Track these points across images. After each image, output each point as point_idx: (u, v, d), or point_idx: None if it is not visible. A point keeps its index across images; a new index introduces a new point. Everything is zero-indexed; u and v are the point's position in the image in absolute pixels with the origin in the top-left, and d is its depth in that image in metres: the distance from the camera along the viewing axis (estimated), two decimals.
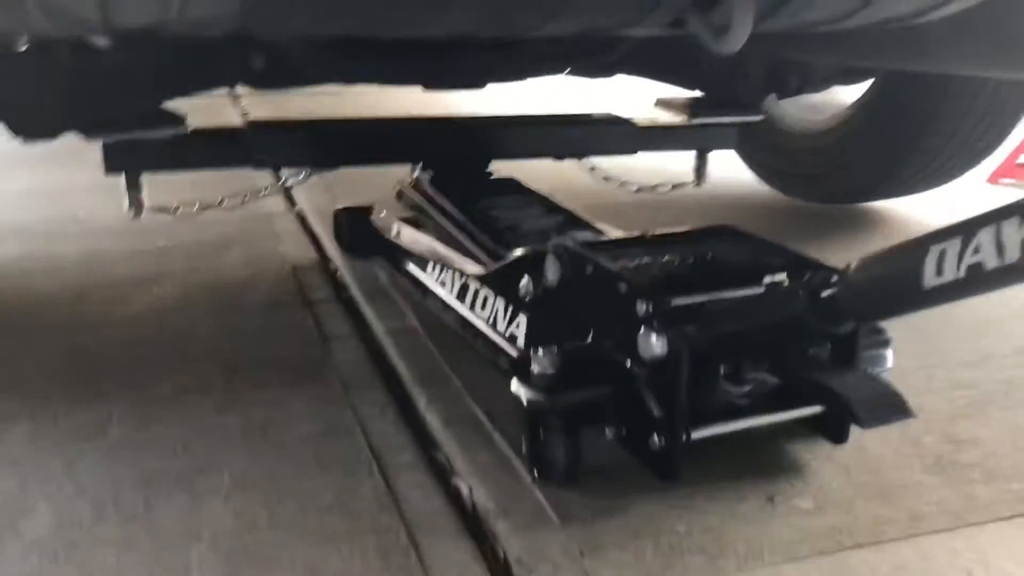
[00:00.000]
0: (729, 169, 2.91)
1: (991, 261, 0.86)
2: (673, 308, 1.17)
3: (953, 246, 0.89)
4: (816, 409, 1.30)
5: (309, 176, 1.98)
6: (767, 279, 1.21)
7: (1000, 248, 0.85)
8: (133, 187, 1.83)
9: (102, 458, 1.29)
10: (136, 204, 1.84)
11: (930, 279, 0.92)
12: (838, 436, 1.33)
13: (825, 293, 1.07)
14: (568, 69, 2.07)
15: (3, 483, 1.23)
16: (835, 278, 1.08)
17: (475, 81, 1.96)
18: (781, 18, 1.15)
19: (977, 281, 0.89)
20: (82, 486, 1.23)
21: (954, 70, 1.78)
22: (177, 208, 1.88)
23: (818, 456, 1.35)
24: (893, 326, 1.36)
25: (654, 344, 1.16)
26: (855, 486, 1.29)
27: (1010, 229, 0.83)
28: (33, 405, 1.44)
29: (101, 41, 1.76)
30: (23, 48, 1.70)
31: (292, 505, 1.19)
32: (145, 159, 1.81)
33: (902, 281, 0.96)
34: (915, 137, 2.41)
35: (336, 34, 1.22)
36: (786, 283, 1.19)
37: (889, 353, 1.36)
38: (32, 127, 1.71)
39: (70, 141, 3.32)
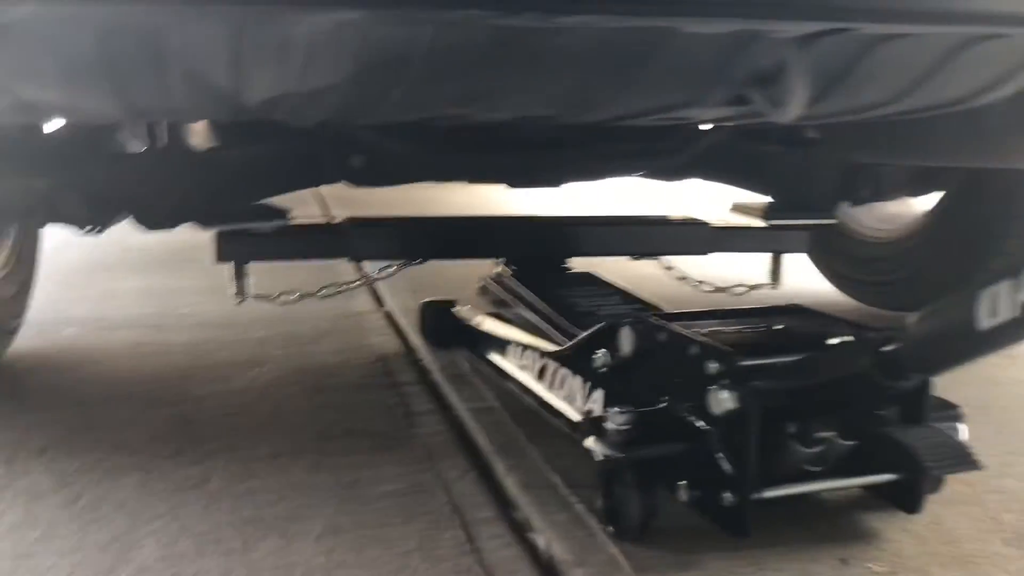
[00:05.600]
0: (807, 277, 2.96)
1: None
2: (741, 367, 1.23)
3: (1004, 286, 0.94)
4: (890, 477, 1.32)
5: (397, 271, 2.10)
6: (831, 341, 1.27)
7: None
8: (240, 275, 1.99)
9: (204, 505, 1.39)
10: (241, 291, 1.98)
11: (984, 321, 0.97)
12: (912, 506, 1.34)
13: (887, 348, 1.12)
14: (642, 171, 2.18)
15: (115, 522, 1.33)
16: (897, 334, 1.12)
17: (555, 180, 2.09)
18: (836, 96, 1.24)
19: None
20: (185, 526, 1.32)
21: (1020, 164, 1.82)
22: (278, 296, 2.02)
23: (892, 526, 1.36)
24: (973, 418, 1.38)
25: (724, 400, 1.22)
26: (931, 555, 1.29)
27: None
28: (141, 461, 1.55)
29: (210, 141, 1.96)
30: (144, 148, 1.90)
31: (378, 549, 1.26)
32: (252, 249, 1.97)
33: (958, 326, 1.01)
34: (994, 240, 2.42)
35: (433, 115, 1.34)
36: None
37: (962, 427, 1.37)
38: (156, 219, 1.89)
39: (176, 253, 3.53)
